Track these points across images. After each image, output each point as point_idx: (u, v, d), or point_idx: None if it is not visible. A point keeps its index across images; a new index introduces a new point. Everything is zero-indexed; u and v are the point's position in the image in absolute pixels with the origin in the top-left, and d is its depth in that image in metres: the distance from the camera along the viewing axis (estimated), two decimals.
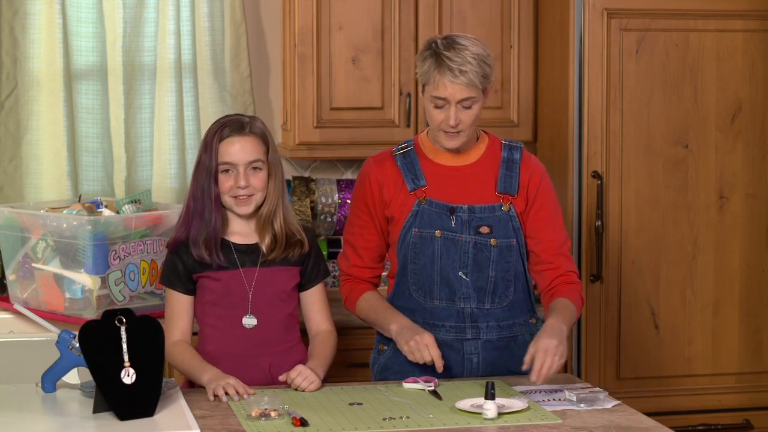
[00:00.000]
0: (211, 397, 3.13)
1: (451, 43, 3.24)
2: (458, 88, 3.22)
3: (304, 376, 3.21)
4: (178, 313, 3.36)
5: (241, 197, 3.32)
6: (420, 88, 3.34)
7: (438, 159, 3.38)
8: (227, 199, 3.33)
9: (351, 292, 3.46)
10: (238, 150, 3.30)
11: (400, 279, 3.39)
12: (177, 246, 3.36)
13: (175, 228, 3.41)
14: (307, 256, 3.43)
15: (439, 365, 3.21)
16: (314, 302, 3.46)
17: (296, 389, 3.21)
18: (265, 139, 3.35)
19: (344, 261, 3.49)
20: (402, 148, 3.42)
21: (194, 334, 3.44)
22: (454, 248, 3.33)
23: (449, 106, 3.25)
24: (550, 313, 3.27)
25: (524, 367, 3.13)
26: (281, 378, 3.24)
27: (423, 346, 3.21)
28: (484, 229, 3.34)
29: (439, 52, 3.23)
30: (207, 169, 3.31)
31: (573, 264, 3.42)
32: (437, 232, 3.33)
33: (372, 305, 3.41)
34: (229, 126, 3.32)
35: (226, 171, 3.31)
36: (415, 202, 3.34)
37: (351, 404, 3.06)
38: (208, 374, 3.22)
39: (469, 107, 3.25)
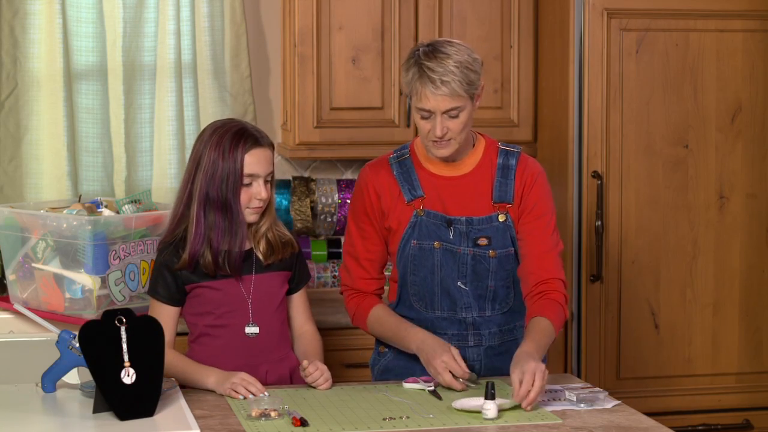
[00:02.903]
0: (236, 396, 3.12)
1: (433, 51, 3.16)
2: (441, 99, 3.14)
3: (322, 371, 3.22)
4: (164, 323, 3.27)
5: (257, 208, 3.32)
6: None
7: (434, 168, 3.33)
8: (243, 210, 3.32)
9: (358, 309, 3.41)
10: (261, 161, 3.28)
11: (401, 289, 3.38)
12: (168, 254, 3.33)
13: (166, 233, 3.39)
14: (296, 261, 3.43)
15: (464, 377, 3.17)
16: (300, 305, 3.48)
17: (310, 384, 3.22)
18: (273, 149, 3.35)
19: (346, 275, 3.43)
20: (398, 156, 3.36)
21: (182, 334, 3.44)
22: (452, 259, 3.31)
23: (435, 116, 3.17)
24: (525, 338, 3.17)
25: (516, 398, 3.00)
26: (304, 363, 3.22)
27: (443, 370, 3.16)
28: (483, 241, 3.30)
29: (420, 62, 3.15)
30: (233, 179, 3.27)
31: (559, 270, 3.29)
32: (436, 243, 3.30)
33: (383, 322, 3.36)
34: (248, 137, 3.28)
35: (248, 183, 3.29)
36: (413, 213, 3.31)
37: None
38: (213, 377, 3.21)
39: (455, 116, 3.18)
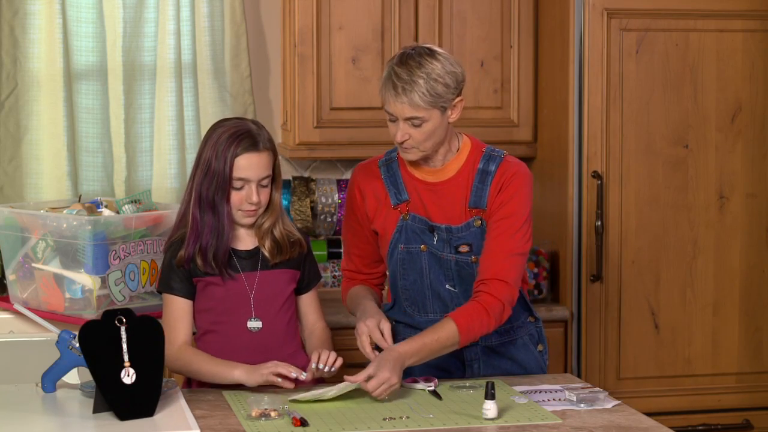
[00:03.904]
0: (276, 380, 3.12)
1: (409, 57, 3.16)
2: (401, 107, 3.15)
3: (335, 357, 3.21)
4: (180, 318, 3.32)
5: (250, 211, 3.31)
6: None
7: (417, 173, 3.33)
8: (234, 212, 3.32)
9: (344, 290, 3.51)
10: (254, 166, 3.26)
11: (394, 295, 3.40)
12: (176, 250, 3.33)
13: (173, 230, 3.40)
14: (305, 261, 3.43)
15: (370, 354, 3.16)
16: (310, 304, 3.47)
17: (320, 369, 3.20)
18: (274, 151, 3.33)
19: (343, 262, 3.54)
20: (387, 160, 3.38)
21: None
22: (438, 264, 3.31)
23: (398, 122, 3.19)
24: (420, 335, 3.17)
25: (354, 379, 3.06)
26: (313, 361, 3.21)
27: (358, 337, 3.19)
28: (464, 248, 3.29)
29: (393, 65, 3.17)
30: (220, 181, 3.25)
31: (505, 271, 3.19)
32: (423, 247, 3.31)
33: (351, 300, 3.43)
34: (244, 140, 3.25)
35: (239, 186, 3.29)
36: (399, 217, 3.32)
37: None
38: (239, 369, 3.20)
39: (418, 125, 3.17)
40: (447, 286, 3.32)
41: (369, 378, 3.05)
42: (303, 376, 3.13)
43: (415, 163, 3.31)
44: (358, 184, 3.39)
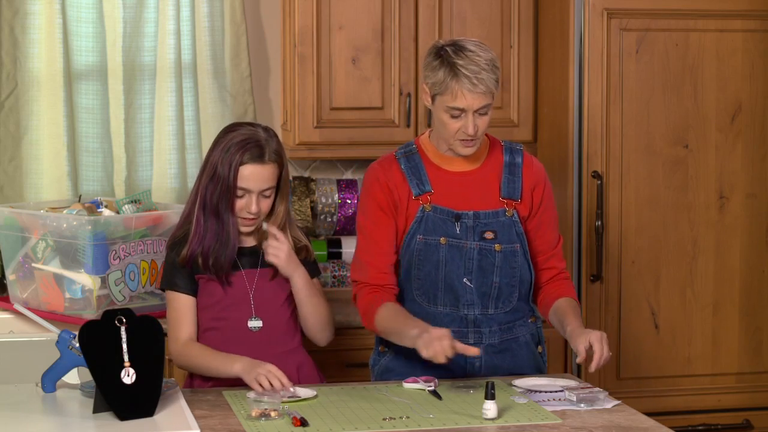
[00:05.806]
0: (258, 388, 3.11)
1: (460, 49, 3.19)
2: (477, 97, 3.18)
3: (280, 242, 3.29)
4: (183, 314, 3.33)
5: (248, 219, 3.32)
6: (426, 97, 3.27)
7: (443, 164, 3.35)
8: (236, 220, 3.32)
9: (370, 305, 3.31)
10: (256, 177, 3.28)
11: (403, 284, 3.37)
12: (180, 249, 3.34)
13: (176, 228, 3.40)
14: (304, 259, 3.43)
15: (467, 352, 3.13)
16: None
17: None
18: (281, 163, 3.33)
19: (358, 273, 3.35)
20: (405, 152, 3.38)
21: None
22: (458, 255, 3.31)
23: (467, 114, 3.20)
24: (568, 316, 3.29)
25: (579, 360, 3.17)
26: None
27: (435, 340, 3.07)
28: (489, 235, 3.32)
29: (452, 61, 3.17)
30: (225, 187, 3.27)
31: (564, 262, 3.47)
32: (442, 239, 3.31)
33: (391, 315, 3.27)
34: (250, 150, 3.26)
35: (240, 195, 3.29)
36: (419, 207, 3.32)
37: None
38: (239, 363, 3.20)
39: (485, 113, 3.23)
40: (464, 280, 3.32)
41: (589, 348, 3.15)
42: (290, 390, 3.11)
43: (440, 155, 3.33)
44: (383, 177, 3.34)
